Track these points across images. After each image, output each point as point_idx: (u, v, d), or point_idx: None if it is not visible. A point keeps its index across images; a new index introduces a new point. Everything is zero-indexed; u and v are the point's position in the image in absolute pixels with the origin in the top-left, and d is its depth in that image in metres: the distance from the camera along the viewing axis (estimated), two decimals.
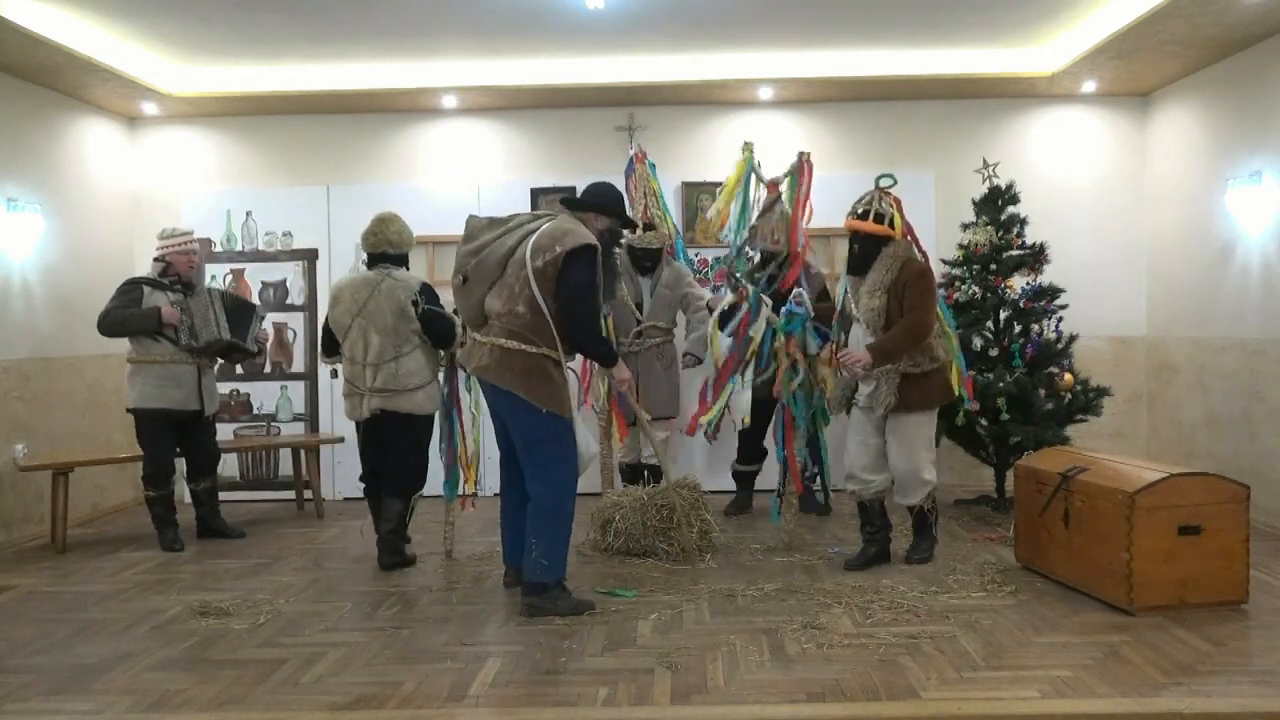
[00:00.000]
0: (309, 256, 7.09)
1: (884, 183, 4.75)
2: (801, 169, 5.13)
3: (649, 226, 5.97)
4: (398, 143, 7.32)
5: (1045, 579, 4.49)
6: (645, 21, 5.86)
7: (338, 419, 7.07)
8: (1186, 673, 3.37)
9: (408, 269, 5.17)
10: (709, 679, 3.40)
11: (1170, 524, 3.97)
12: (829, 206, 5.61)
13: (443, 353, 5.08)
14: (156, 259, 5.63)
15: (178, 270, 5.58)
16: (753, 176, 5.34)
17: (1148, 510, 3.95)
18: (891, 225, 4.64)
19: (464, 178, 7.25)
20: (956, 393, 4.88)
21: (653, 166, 6.19)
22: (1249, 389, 5.90)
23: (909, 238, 4.78)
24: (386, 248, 5.07)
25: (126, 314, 5.41)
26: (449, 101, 7.04)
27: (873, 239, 4.65)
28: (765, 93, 6.99)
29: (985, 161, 6.24)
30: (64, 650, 3.86)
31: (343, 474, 7.08)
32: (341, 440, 6.86)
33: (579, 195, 4.42)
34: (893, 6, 5.71)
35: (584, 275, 4.02)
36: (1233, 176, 6.01)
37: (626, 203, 4.57)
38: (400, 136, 7.31)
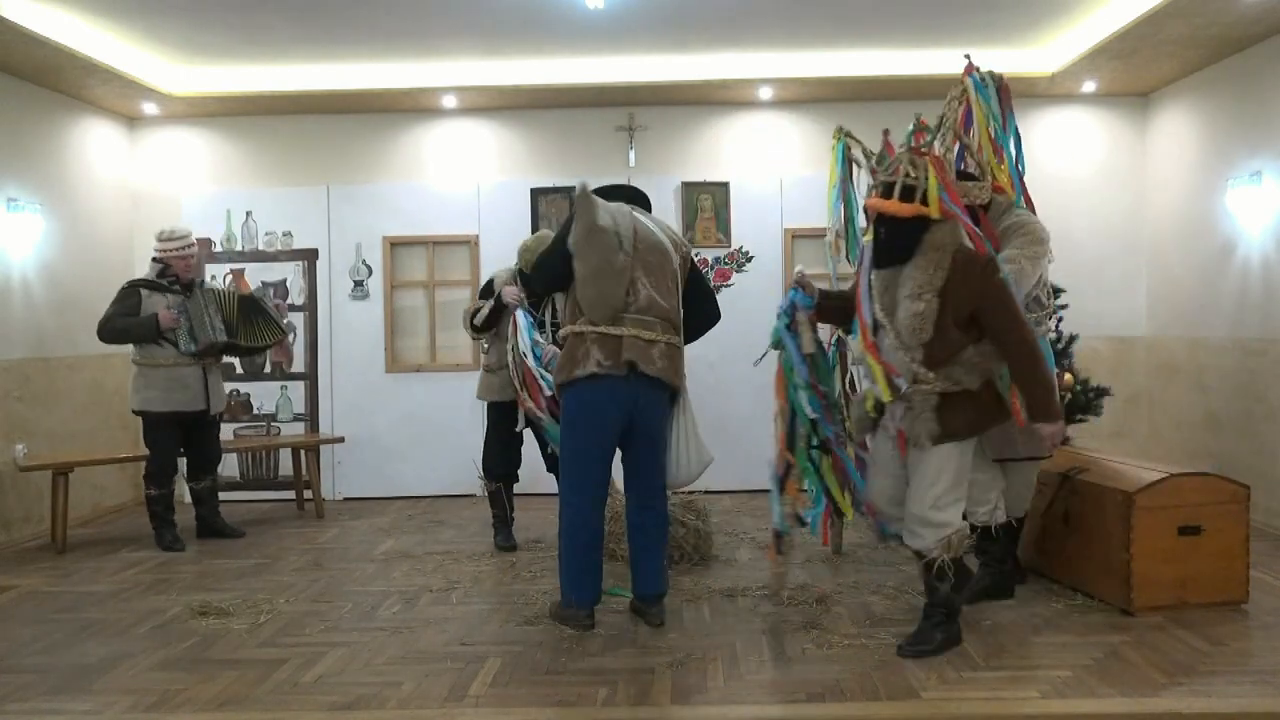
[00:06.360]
0: (309, 256, 7.11)
1: (909, 129, 3.63)
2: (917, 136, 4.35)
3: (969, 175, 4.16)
4: (398, 143, 7.32)
5: (1045, 579, 4.48)
6: (645, 21, 5.86)
7: (338, 419, 7.09)
8: (1186, 673, 3.36)
9: None
10: (709, 679, 3.40)
11: (1170, 524, 3.97)
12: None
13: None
14: (155, 259, 5.62)
15: (176, 272, 5.58)
16: (851, 167, 4.50)
17: (1148, 510, 3.94)
18: (925, 201, 3.38)
19: (464, 178, 7.26)
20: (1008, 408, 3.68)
21: (980, 86, 4.32)
22: (1249, 389, 5.89)
23: (957, 214, 3.47)
24: None
25: (127, 323, 5.44)
26: (449, 101, 7.04)
27: (903, 224, 3.42)
28: (765, 93, 6.99)
29: None
30: (64, 650, 3.86)
31: (343, 474, 7.09)
32: (342, 440, 6.87)
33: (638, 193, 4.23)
34: (893, 6, 5.71)
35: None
36: (1232, 176, 6.01)
37: None
38: (400, 136, 7.31)
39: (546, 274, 4.08)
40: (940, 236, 3.42)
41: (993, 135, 4.21)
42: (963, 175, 4.06)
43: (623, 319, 3.80)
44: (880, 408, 3.61)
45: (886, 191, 3.46)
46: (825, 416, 3.90)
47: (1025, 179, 4.47)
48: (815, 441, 3.95)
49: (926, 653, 3.55)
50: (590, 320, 3.82)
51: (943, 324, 3.39)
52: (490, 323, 5.22)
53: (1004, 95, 4.27)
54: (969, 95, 4.23)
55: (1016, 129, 4.33)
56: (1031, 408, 3.47)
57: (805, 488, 3.97)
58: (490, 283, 5.41)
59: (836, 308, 3.85)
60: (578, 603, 3.91)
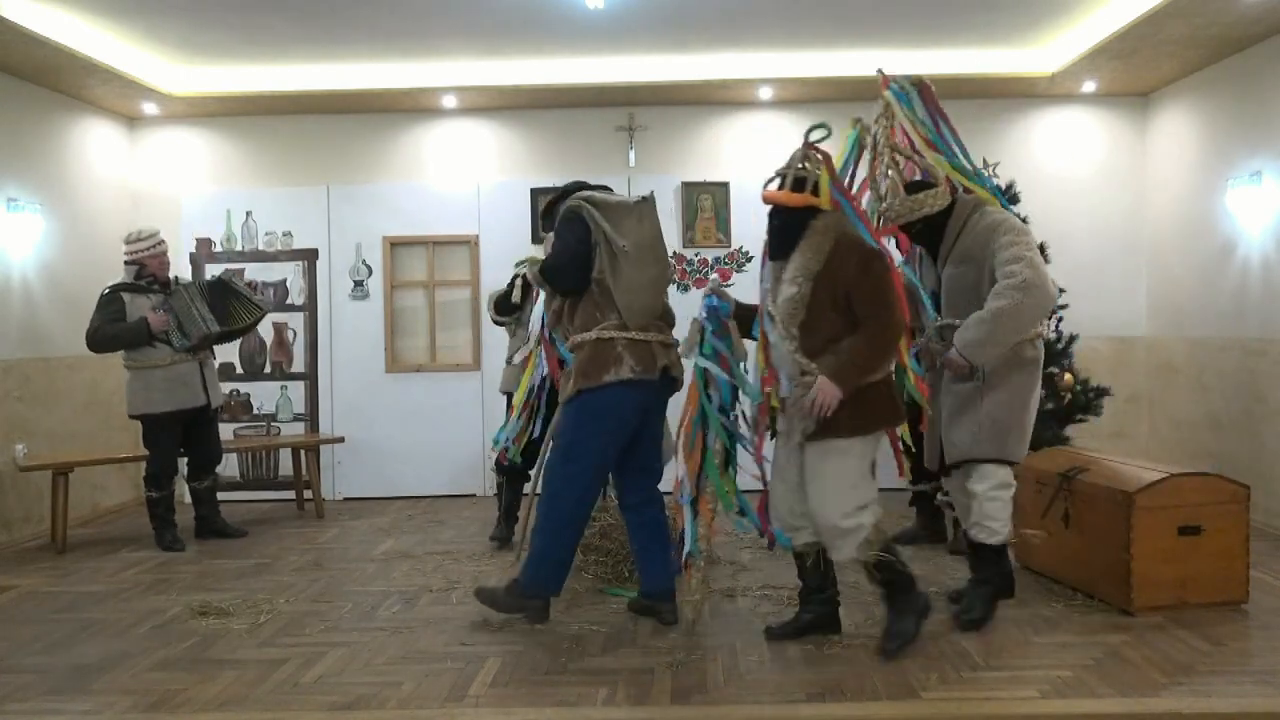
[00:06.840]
0: (309, 256, 7.11)
1: (814, 135, 3.59)
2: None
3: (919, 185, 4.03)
4: (398, 143, 7.32)
5: (1046, 579, 4.48)
6: (645, 21, 5.86)
7: (338, 419, 7.09)
8: (1186, 673, 3.37)
9: None
10: (709, 679, 3.40)
11: (1170, 524, 3.97)
12: None
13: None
14: (128, 263, 5.59)
15: (153, 272, 5.57)
16: (861, 152, 4.21)
17: (1148, 510, 3.94)
18: (816, 192, 3.50)
19: (464, 178, 7.25)
20: (905, 407, 3.68)
21: (901, 95, 4.16)
22: (1249, 389, 5.89)
23: (845, 208, 3.58)
24: None
25: (116, 330, 5.42)
26: (449, 101, 7.04)
27: (793, 213, 3.51)
28: (765, 93, 6.99)
29: (985, 161, 6.19)
30: (64, 650, 3.86)
31: (343, 474, 7.09)
32: (341, 440, 6.87)
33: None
34: (893, 6, 5.71)
35: None
36: (1232, 176, 6.01)
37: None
38: (400, 136, 7.31)
39: (573, 273, 3.88)
40: (824, 223, 3.50)
41: (926, 138, 4.11)
42: (918, 185, 4.01)
43: (649, 324, 3.89)
44: (781, 405, 3.59)
45: (780, 184, 3.56)
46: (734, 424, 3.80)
47: (1021, 177, 4.38)
48: (729, 454, 3.81)
49: (908, 643, 3.53)
50: (620, 325, 3.83)
51: (816, 307, 3.42)
52: (515, 305, 5.27)
53: (926, 96, 4.17)
54: (893, 109, 4.13)
55: (950, 126, 4.21)
56: (834, 365, 3.37)
57: (718, 507, 3.79)
58: (514, 279, 5.41)
59: (750, 317, 3.82)
60: (547, 595, 3.97)
